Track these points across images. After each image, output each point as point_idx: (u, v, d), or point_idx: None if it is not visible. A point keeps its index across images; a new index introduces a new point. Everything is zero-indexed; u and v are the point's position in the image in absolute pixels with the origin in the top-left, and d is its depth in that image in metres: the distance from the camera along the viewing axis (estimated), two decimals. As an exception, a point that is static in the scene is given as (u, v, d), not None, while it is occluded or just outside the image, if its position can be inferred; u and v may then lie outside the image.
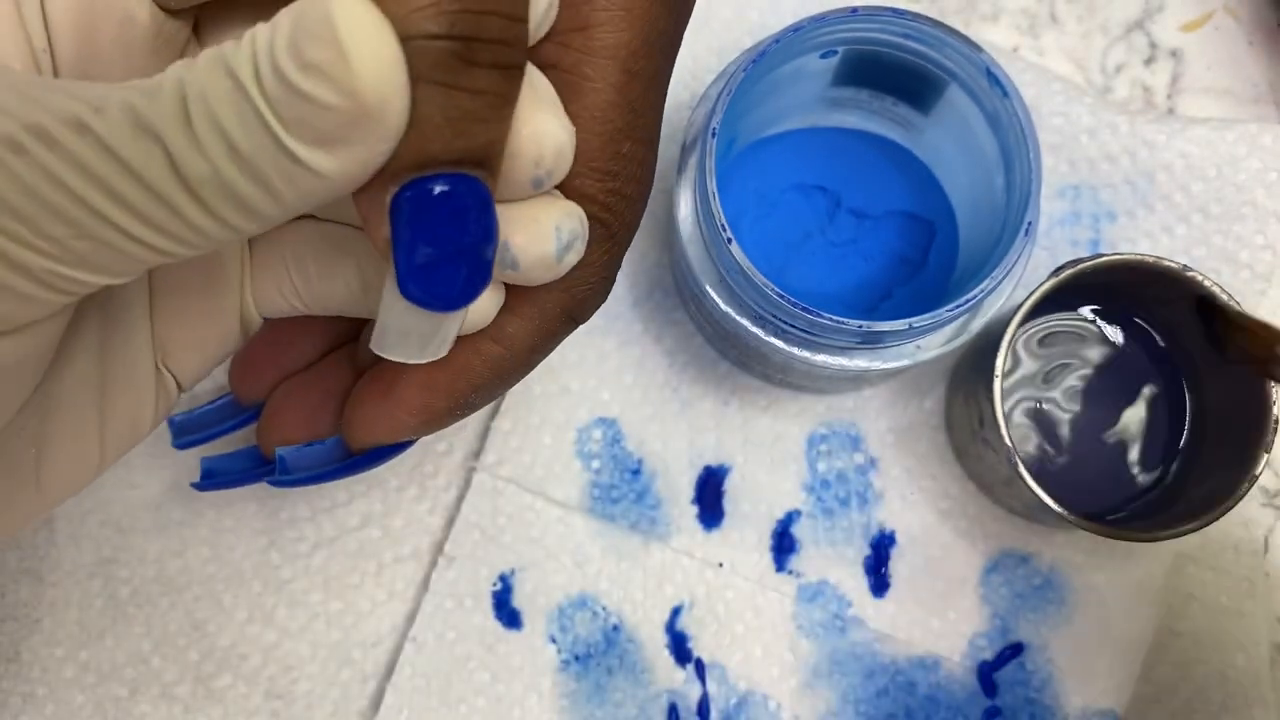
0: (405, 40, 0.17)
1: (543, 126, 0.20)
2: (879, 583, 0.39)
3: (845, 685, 0.38)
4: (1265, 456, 0.33)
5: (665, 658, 0.38)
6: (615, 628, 0.39)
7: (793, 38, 0.32)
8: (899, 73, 0.34)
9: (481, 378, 0.24)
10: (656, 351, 0.40)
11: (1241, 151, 0.39)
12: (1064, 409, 0.38)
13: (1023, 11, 0.42)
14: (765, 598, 0.39)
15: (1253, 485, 0.33)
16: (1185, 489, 0.36)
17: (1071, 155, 0.40)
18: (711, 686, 0.38)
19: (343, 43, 0.17)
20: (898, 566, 0.39)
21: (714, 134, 0.31)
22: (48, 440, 0.22)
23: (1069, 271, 0.34)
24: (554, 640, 0.38)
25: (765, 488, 0.39)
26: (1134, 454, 0.38)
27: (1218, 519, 0.33)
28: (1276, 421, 0.33)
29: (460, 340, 0.23)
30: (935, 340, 0.33)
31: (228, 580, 0.39)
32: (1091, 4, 0.42)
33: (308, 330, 0.29)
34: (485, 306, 0.23)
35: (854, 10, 0.32)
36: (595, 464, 0.39)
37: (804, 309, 0.30)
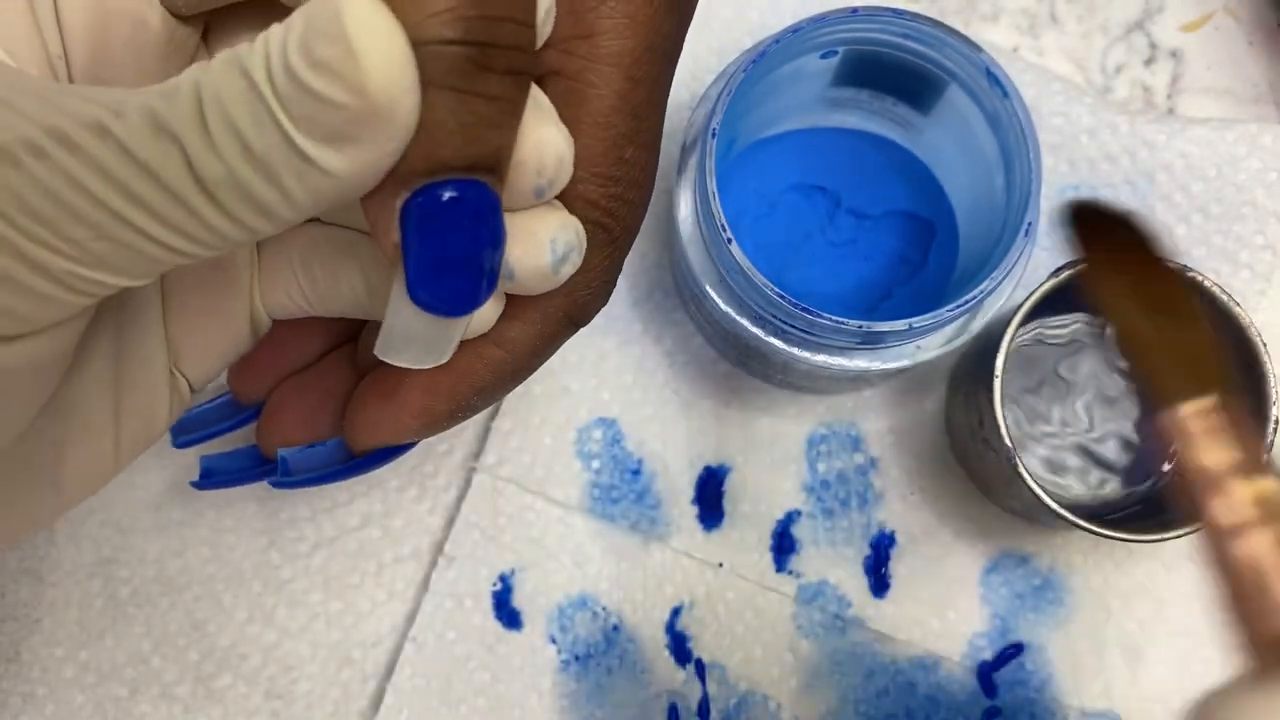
0: (421, 45, 0.17)
1: (545, 135, 0.21)
2: (879, 583, 0.39)
3: (845, 685, 0.38)
4: (1265, 457, 0.33)
5: (665, 658, 0.38)
6: (615, 628, 0.39)
7: (793, 38, 0.32)
8: (899, 73, 0.34)
9: (483, 381, 0.24)
10: (656, 351, 0.40)
11: (1241, 151, 0.39)
12: (1064, 409, 0.38)
13: (1023, 11, 0.42)
14: (765, 598, 0.39)
15: (1253, 485, 0.33)
16: (1185, 489, 0.36)
17: (1071, 155, 0.40)
18: (711, 687, 0.38)
19: (352, 41, 0.17)
20: (898, 567, 0.39)
21: (714, 134, 0.31)
22: (65, 442, 0.23)
23: (1069, 272, 0.34)
24: (554, 640, 0.38)
25: (765, 488, 0.39)
26: (1134, 454, 0.38)
27: (1217, 519, 0.33)
28: (1277, 421, 0.33)
29: (462, 344, 0.23)
30: (935, 340, 0.33)
31: (228, 580, 0.39)
32: (1091, 4, 0.42)
33: (307, 330, 0.29)
34: (487, 311, 0.23)
35: (854, 10, 0.32)
36: (595, 464, 0.39)
37: (804, 309, 0.30)
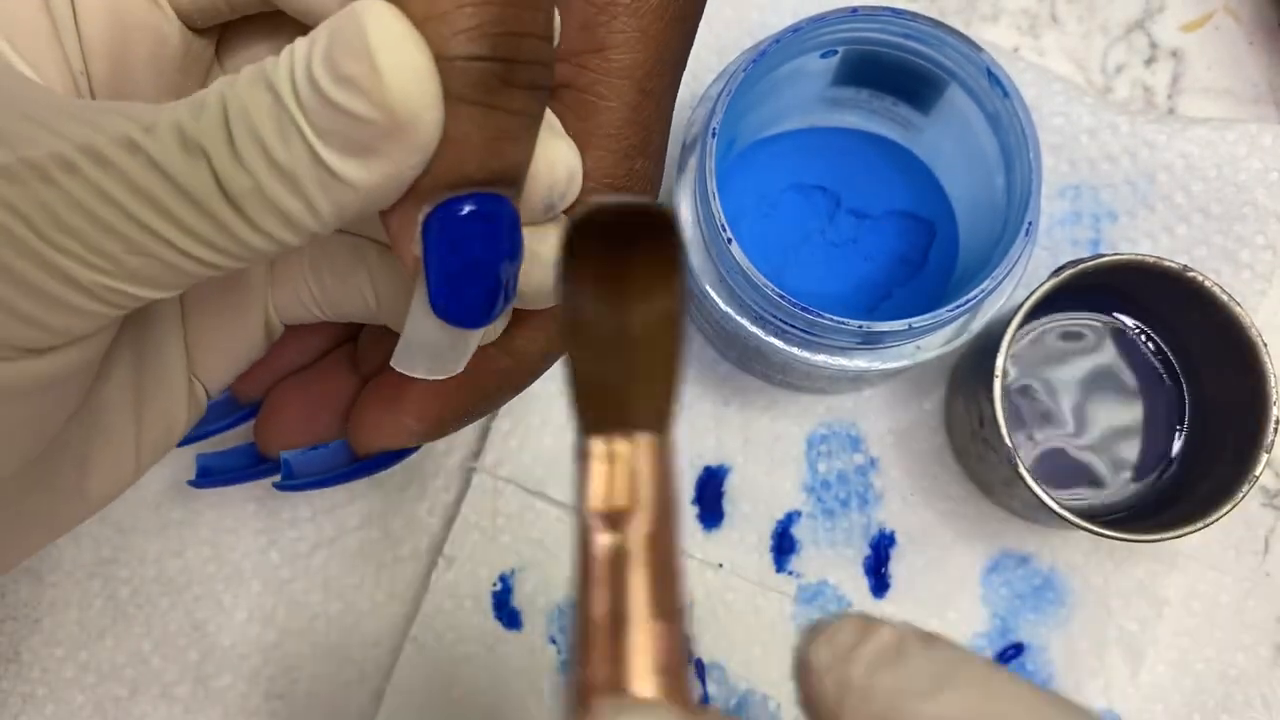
0: (447, 60, 0.18)
1: (556, 151, 0.21)
2: (879, 583, 0.39)
3: (845, 685, 0.38)
4: (1265, 456, 0.33)
5: (665, 658, 0.38)
6: (615, 628, 0.39)
7: (793, 38, 0.32)
8: (899, 73, 0.34)
9: (489, 389, 0.24)
10: (656, 351, 0.40)
11: (1242, 151, 0.39)
12: (1064, 409, 0.38)
13: (1023, 11, 0.42)
14: (765, 598, 0.39)
15: (1253, 486, 0.33)
16: (1185, 489, 0.36)
17: (1072, 155, 0.40)
18: (711, 687, 0.38)
19: (376, 57, 0.17)
20: (898, 567, 0.39)
21: (714, 134, 0.31)
22: (89, 450, 0.23)
23: (1069, 272, 0.34)
24: (554, 641, 0.38)
25: (765, 488, 0.39)
26: (1134, 454, 0.38)
27: (1217, 519, 0.33)
28: (1277, 422, 0.33)
29: None
30: (935, 340, 0.33)
31: (228, 580, 0.39)
32: (1092, 4, 0.42)
33: (306, 331, 0.29)
34: (497, 321, 0.23)
35: (854, 10, 0.32)
36: (595, 464, 0.39)
37: (804, 309, 0.30)
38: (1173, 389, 0.38)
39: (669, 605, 0.16)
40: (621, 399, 0.17)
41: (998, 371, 0.34)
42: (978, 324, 0.33)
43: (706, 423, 0.40)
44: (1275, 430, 0.33)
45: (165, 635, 0.38)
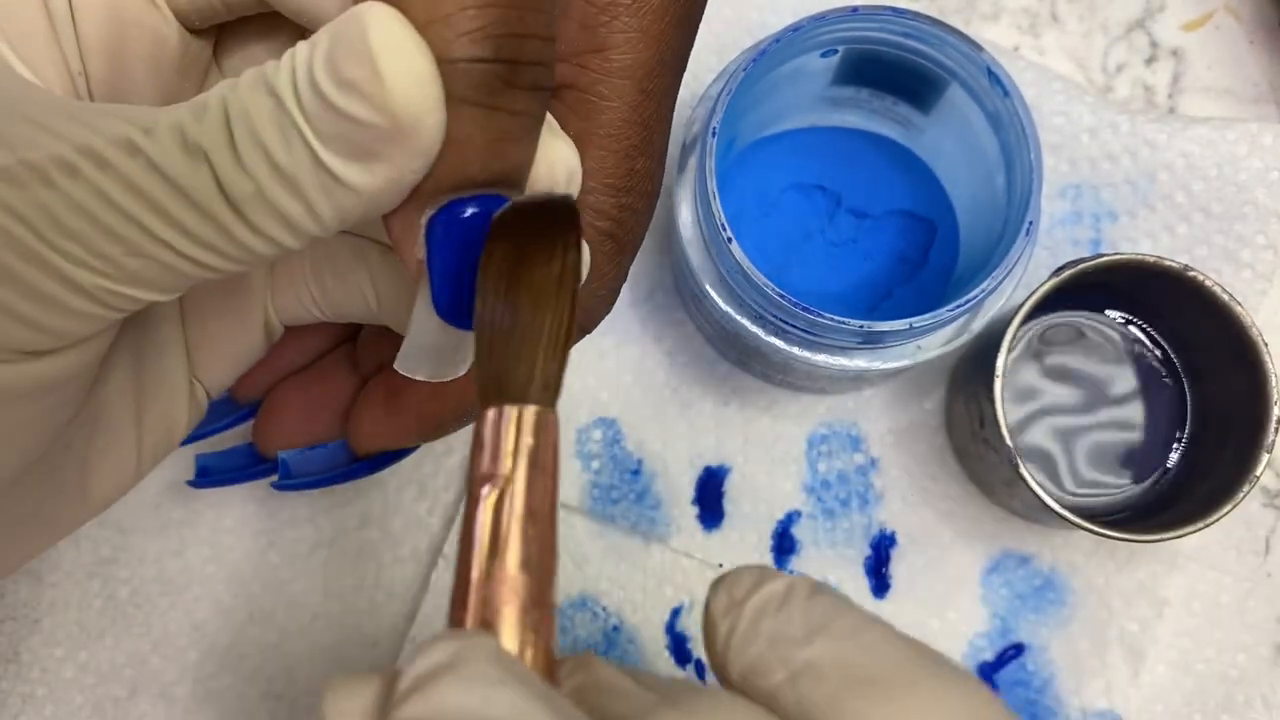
0: (450, 63, 0.18)
1: (556, 151, 0.21)
2: (879, 583, 0.39)
3: (845, 686, 0.38)
4: (1266, 456, 0.33)
5: (665, 658, 0.38)
6: (615, 628, 0.39)
7: (793, 37, 0.32)
8: (899, 72, 0.34)
9: None
10: (656, 351, 0.40)
11: (1242, 151, 0.39)
12: (1064, 409, 0.38)
13: (1023, 10, 0.42)
14: (765, 598, 0.39)
15: (1254, 486, 0.33)
16: (1185, 489, 0.36)
17: (1072, 155, 0.40)
18: (711, 682, 0.38)
19: (378, 61, 0.17)
20: (898, 567, 0.39)
21: (714, 134, 0.31)
22: (90, 452, 0.23)
23: (1070, 271, 0.34)
24: (554, 641, 0.38)
25: (765, 488, 0.39)
26: (1134, 454, 0.38)
27: (1218, 519, 0.33)
28: (1278, 422, 0.33)
29: None
30: (936, 340, 0.33)
31: (227, 580, 0.39)
32: (1092, 3, 0.42)
33: (305, 331, 0.29)
34: None
35: (854, 9, 0.32)
36: (595, 464, 0.39)
37: (804, 309, 0.30)
38: (1173, 389, 0.38)
39: (536, 560, 0.18)
40: (507, 375, 0.18)
41: (999, 372, 0.34)
42: (978, 324, 0.33)
43: (706, 423, 0.40)
44: (1276, 430, 0.33)
45: (165, 635, 0.38)
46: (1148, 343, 0.38)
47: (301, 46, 0.18)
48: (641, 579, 0.39)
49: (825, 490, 0.39)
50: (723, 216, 0.31)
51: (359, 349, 0.29)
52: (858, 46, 0.34)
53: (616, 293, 0.24)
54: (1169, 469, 0.37)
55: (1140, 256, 0.35)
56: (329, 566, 0.39)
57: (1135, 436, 0.38)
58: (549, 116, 0.22)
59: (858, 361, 0.33)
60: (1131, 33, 0.42)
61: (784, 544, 0.39)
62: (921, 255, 0.38)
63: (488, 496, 0.18)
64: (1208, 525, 0.33)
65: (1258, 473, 0.33)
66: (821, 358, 0.33)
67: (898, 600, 0.39)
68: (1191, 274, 0.34)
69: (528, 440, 0.18)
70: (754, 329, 0.33)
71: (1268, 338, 0.34)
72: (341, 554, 0.39)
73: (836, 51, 0.34)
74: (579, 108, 0.22)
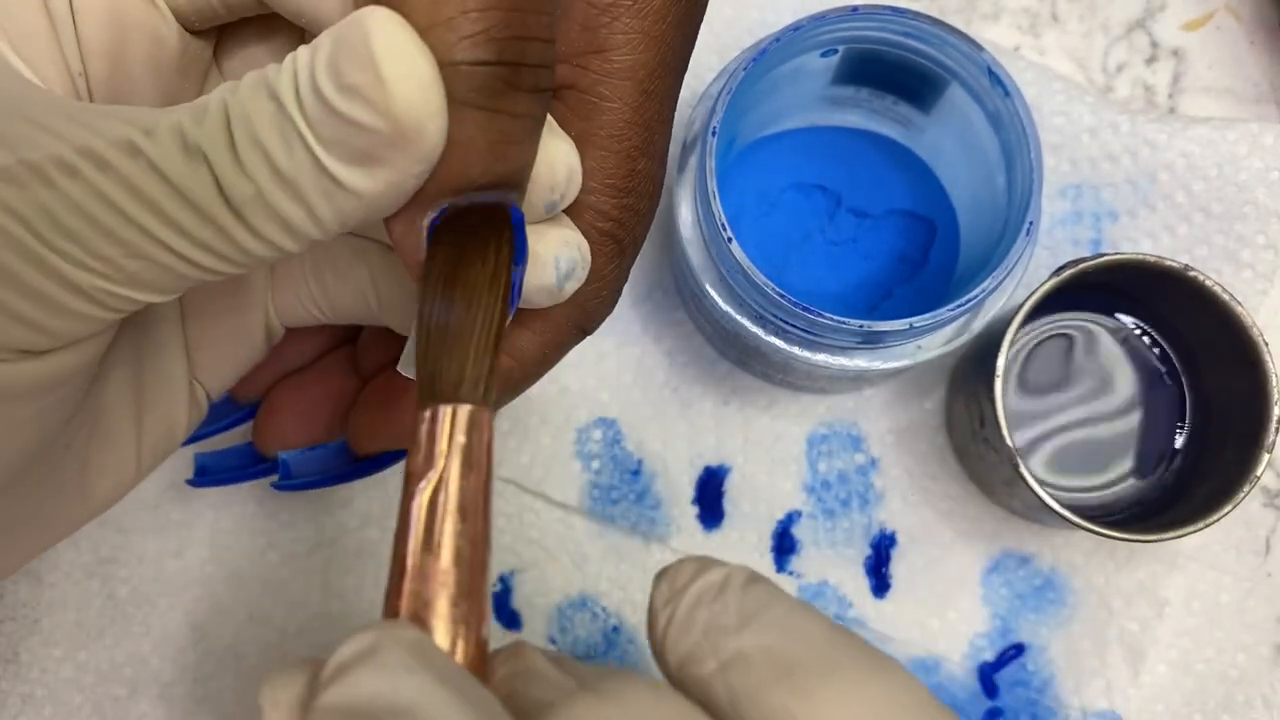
0: (452, 66, 0.18)
1: (555, 151, 0.21)
2: (880, 583, 0.39)
3: (845, 686, 0.38)
4: (1266, 456, 0.33)
5: (665, 658, 0.38)
6: (615, 629, 0.38)
7: (793, 36, 0.32)
8: (899, 71, 0.34)
9: None
10: (656, 351, 0.40)
11: (1243, 151, 0.39)
12: (1064, 409, 0.38)
13: (1024, 10, 0.42)
14: (765, 598, 0.39)
15: (1254, 486, 0.33)
16: (1185, 489, 0.36)
17: (1073, 154, 0.40)
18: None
19: (380, 67, 0.17)
20: (898, 567, 0.39)
21: (714, 133, 0.31)
22: (90, 453, 0.23)
23: (1070, 271, 0.34)
24: (554, 641, 0.38)
25: (765, 488, 0.39)
26: (1134, 454, 0.38)
27: (1218, 519, 0.33)
28: (1278, 422, 0.33)
29: None
30: (936, 340, 0.33)
31: (226, 581, 0.39)
32: (1093, 3, 0.42)
33: (305, 332, 0.29)
34: None
35: (854, 9, 0.32)
36: (595, 464, 0.39)
37: (804, 308, 0.30)
38: (1174, 389, 0.38)
39: (467, 554, 0.18)
40: (440, 374, 0.19)
41: (999, 371, 0.34)
42: (979, 323, 0.33)
43: (706, 422, 0.39)
44: (1276, 430, 0.33)
45: (164, 635, 0.38)
46: (1148, 343, 0.38)
47: (303, 50, 0.18)
48: (641, 579, 0.39)
49: (825, 490, 0.39)
50: (723, 216, 0.31)
51: (359, 350, 0.29)
52: (858, 46, 0.34)
53: (618, 293, 0.24)
54: (1169, 469, 0.37)
55: (1141, 256, 0.35)
56: (329, 566, 0.39)
57: (1134, 436, 0.38)
58: (549, 116, 0.22)
59: (858, 361, 0.33)
60: (1132, 33, 0.42)
61: (784, 544, 0.39)
62: (922, 255, 0.38)
63: (422, 492, 0.18)
64: (1208, 525, 0.33)
65: (1258, 473, 0.33)
66: (821, 357, 0.33)
67: (898, 600, 0.39)
68: (1192, 274, 0.34)
69: (460, 439, 0.18)
70: (754, 329, 0.33)
71: (1268, 338, 0.34)
72: (341, 554, 0.39)
73: (836, 51, 0.34)
74: (580, 109, 0.22)
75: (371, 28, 0.17)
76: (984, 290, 0.31)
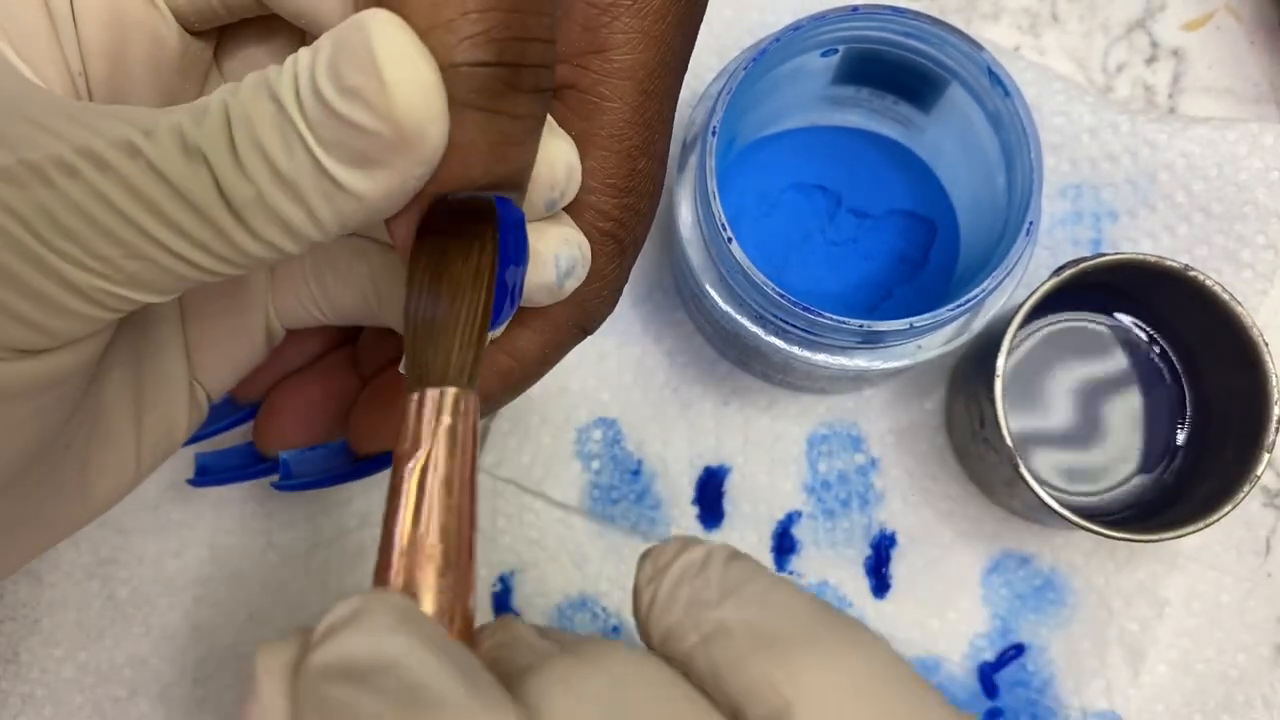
0: (453, 67, 0.18)
1: (555, 149, 0.21)
2: (880, 583, 0.39)
3: (846, 686, 0.38)
4: (1266, 456, 0.33)
5: (665, 658, 0.38)
6: (615, 629, 0.38)
7: (793, 36, 0.32)
8: (900, 71, 0.34)
9: (491, 390, 0.24)
10: (656, 351, 0.40)
11: (1243, 151, 0.39)
12: (1065, 409, 0.38)
13: (1024, 10, 0.42)
14: (765, 598, 0.39)
15: (1254, 486, 0.33)
16: (1185, 489, 0.36)
17: (1073, 154, 0.40)
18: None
19: (382, 70, 0.17)
20: (898, 567, 0.39)
21: (714, 133, 0.31)
22: (89, 453, 0.23)
23: (1070, 271, 0.34)
24: (554, 641, 0.38)
25: (765, 488, 0.39)
26: (1134, 454, 0.38)
27: (1218, 519, 0.33)
28: (1278, 421, 0.33)
29: None
30: (936, 340, 0.33)
31: (226, 581, 0.39)
32: (1093, 3, 0.42)
33: (306, 332, 0.29)
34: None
35: (854, 9, 0.32)
36: (595, 464, 0.39)
37: (804, 308, 0.30)
38: (1174, 389, 0.38)
39: (454, 529, 0.19)
40: (427, 362, 0.20)
41: (999, 371, 0.34)
42: (979, 323, 0.33)
43: (706, 422, 0.39)
44: (1276, 430, 0.33)
45: (164, 636, 0.38)
46: (1148, 343, 0.38)
47: (304, 52, 0.18)
48: (641, 579, 0.39)
49: (825, 490, 0.39)
50: (723, 216, 0.31)
51: (360, 350, 0.29)
52: (858, 46, 0.34)
53: (618, 293, 0.24)
54: (1169, 469, 0.37)
55: (1141, 256, 0.35)
56: (329, 566, 0.39)
57: (1136, 436, 0.38)
58: (549, 115, 0.22)
59: (858, 361, 0.33)
60: (1132, 33, 0.42)
61: (784, 544, 0.39)
62: (922, 255, 0.38)
63: (410, 472, 0.19)
64: (1208, 525, 0.33)
65: (1258, 473, 0.33)
66: (821, 357, 0.33)
67: (898, 600, 0.39)
68: (1192, 274, 0.34)
69: (446, 420, 0.19)
70: (754, 329, 0.33)
71: (1268, 338, 0.34)
72: (341, 554, 0.39)
73: (837, 51, 0.34)
74: (580, 109, 0.22)
75: (373, 30, 0.17)
76: (984, 290, 0.31)
